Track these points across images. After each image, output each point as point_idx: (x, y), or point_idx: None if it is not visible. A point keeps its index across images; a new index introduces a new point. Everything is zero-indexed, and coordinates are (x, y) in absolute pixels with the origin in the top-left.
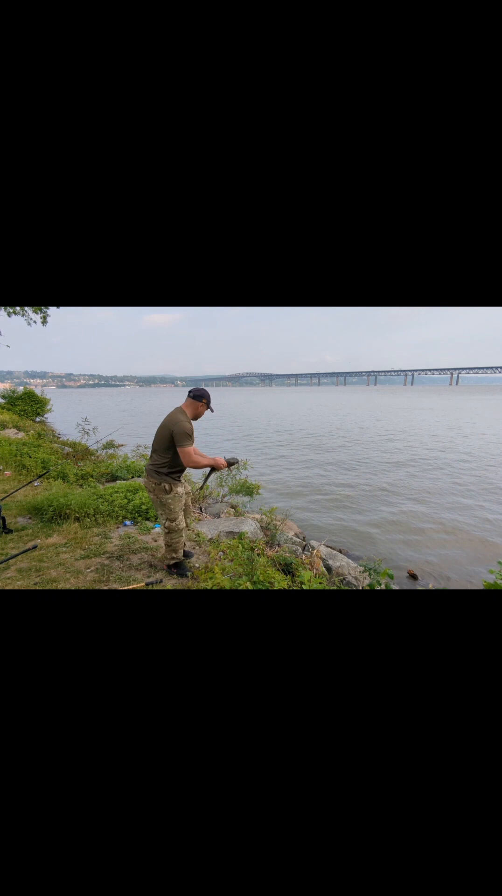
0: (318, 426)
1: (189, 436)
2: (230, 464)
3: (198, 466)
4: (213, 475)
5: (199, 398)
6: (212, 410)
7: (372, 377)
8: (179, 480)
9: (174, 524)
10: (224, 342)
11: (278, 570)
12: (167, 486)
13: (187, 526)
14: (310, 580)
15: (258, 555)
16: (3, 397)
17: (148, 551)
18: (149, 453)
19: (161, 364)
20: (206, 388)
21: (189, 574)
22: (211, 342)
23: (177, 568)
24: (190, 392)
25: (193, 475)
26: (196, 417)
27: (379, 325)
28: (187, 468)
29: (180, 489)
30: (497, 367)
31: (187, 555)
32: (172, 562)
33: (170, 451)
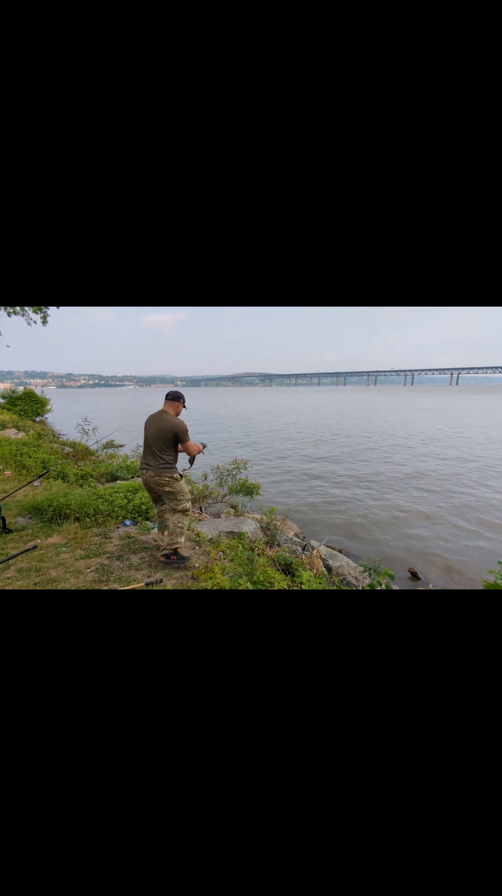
0: (326, 431)
1: (187, 431)
2: (203, 446)
3: (195, 453)
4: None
5: (178, 399)
6: (185, 408)
7: (372, 377)
8: (174, 467)
9: (189, 504)
10: (224, 342)
11: (278, 570)
12: (177, 475)
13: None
14: (309, 580)
15: (258, 555)
16: (3, 397)
17: (148, 551)
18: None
19: (161, 364)
20: (206, 386)
21: (187, 561)
22: (211, 342)
23: (177, 554)
24: (168, 395)
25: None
26: (177, 415)
27: (379, 325)
28: None
29: (178, 480)
30: (497, 367)
31: (180, 557)
32: (174, 546)
33: (172, 447)
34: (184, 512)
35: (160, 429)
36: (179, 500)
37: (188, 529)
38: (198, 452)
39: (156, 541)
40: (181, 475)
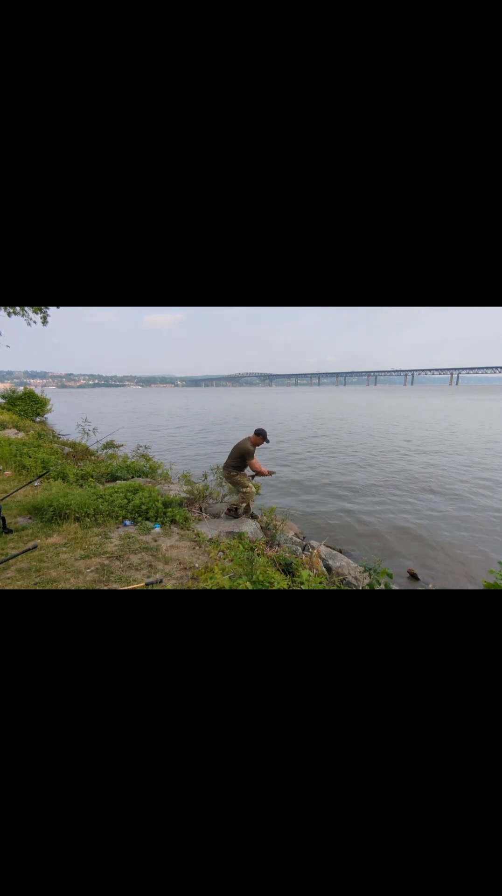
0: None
1: (251, 453)
2: (269, 472)
3: (257, 470)
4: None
5: (261, 434)
6: (267, 441)
7: (372, 377)
8: (241, 471)
9: (246, 489)
10: (224, 342)
11: (278, 570)
12: (233, 472)
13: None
14: (308, 578)
15: (258, 555)
16: (3, 397)
17: (148, 551)
18: (149, 453)
19: (161, 364)
20: (206, 386)
21: (241, 517)
22: (211, 342)
23: (235, 512)
24: (257, 430)
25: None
26: (257, 445)
27: (379, 325)
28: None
29: (240, 477)
30: (497, 367)
31: (253, 516)
32: (234, 506)
33: (238, 459)
34: (243, 494)
35: (238, 448)
36: (242, 487)
37: (251, 503)
38: (261, 472)
39: (156, 540)
40: (236, 473)
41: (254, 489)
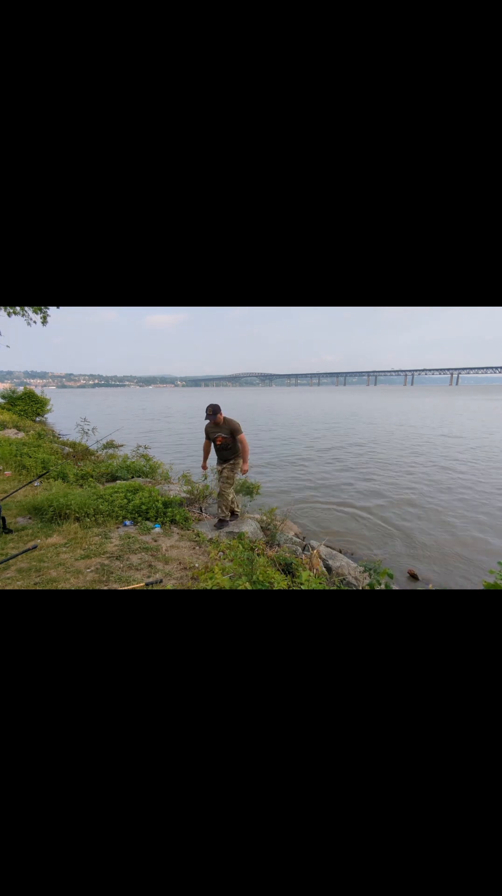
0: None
1: (206, 434)
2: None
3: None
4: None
5: (206, 411)
6: (206, 419)
7: (372, 377)
8: (228, 460)
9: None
10: (224, 342)
11: (278, 570)
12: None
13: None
14: (308, 579)
15: (258, 555)
16: (3, 397)
17: (148, 551)
18: (149, 453)
19: (161, 364)
20: (206, 386)
21: (226, 524)
22: (211, 342)
23: (233, 515)
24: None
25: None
26: (216, 424)
27: (379, 325)
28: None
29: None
30: (497, 367)
31: (233, 512)
32: (222, 516)
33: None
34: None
35: None
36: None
37: (224, 495)
38: (204, 456)
39: (155, 540)
40: (225, 463)
41: (227, 476)
